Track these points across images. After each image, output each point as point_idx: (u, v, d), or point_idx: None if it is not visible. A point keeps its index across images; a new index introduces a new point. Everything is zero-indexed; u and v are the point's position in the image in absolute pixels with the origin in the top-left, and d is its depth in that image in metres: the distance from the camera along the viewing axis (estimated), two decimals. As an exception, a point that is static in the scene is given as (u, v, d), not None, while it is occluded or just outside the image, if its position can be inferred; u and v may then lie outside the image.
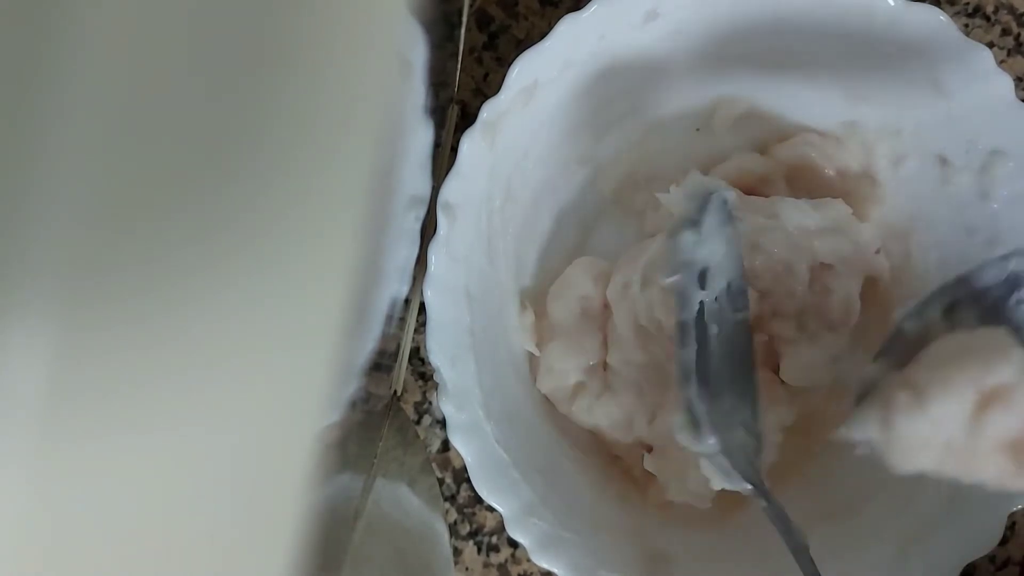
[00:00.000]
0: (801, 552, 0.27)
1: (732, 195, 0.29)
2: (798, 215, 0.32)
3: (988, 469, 0.23)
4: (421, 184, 0.29)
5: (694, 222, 0.28)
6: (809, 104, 0.34)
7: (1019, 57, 0.38)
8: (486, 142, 0.30)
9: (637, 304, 0.32)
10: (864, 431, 0.25)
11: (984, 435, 0.23)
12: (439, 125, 0.32)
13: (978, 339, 0.24)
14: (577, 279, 0.34)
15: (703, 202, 0.28)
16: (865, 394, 0.25)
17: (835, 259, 0.32)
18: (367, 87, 0.14)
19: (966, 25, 0.38)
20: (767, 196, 0.34)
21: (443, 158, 0.35)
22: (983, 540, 0.29)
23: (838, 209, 0.32)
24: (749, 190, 0.34)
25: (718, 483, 0.28)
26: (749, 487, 0.28)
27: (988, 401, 0.23)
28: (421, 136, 0.27)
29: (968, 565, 0.29)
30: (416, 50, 0.22)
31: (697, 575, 0.32)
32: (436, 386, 0.32)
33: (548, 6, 0.37)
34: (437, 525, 0.34)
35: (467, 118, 0.36)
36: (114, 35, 0.11)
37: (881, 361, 0.26)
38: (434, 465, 0.36)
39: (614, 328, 0.33)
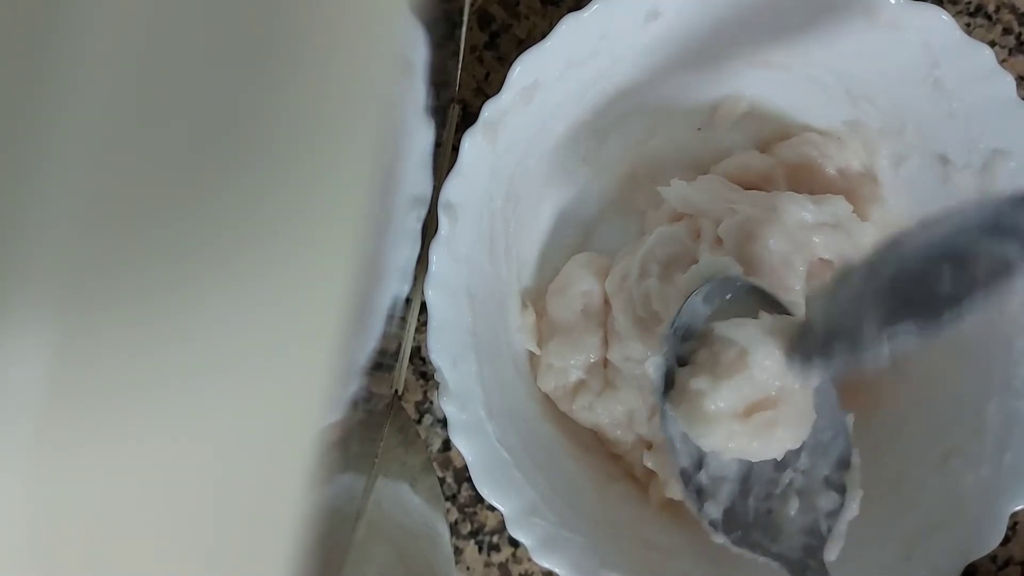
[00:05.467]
0: None
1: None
2: (797, 209, 0.32)
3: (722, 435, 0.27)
4: (422, 184, 0.29)
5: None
6: (811, 103, 0.34)
7: (1020, 56, 0.38)
8: (487, 142, 0.30)
9: (635, 296, 0.32)
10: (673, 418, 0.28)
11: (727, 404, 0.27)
12: (440, 125, 0.32)
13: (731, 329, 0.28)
14: (577, 275, 0.34)
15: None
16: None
17: (834, 255, 0.32)
18: (368, 86, 0.14)
19: (968, 24, 0.38)
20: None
21: (444, 158, 0.35)
22: (985, 540, 0.29)
23: (838, 205, 0.32)
24: (750, 188, 0.34)
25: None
26: (778, 566, 0.27)
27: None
28: (422, 136, 0.27)
29: (970, 565, 0.29)
30: (417, 49, 0.22)
31: (698, 574, 0.32)
32: (437, 385, 0.32)
33: (549, 5, 0.37)
34: (438, 524, 0.34)
35: (468, 118, 0.36)
36: (116, 36, 0.11)
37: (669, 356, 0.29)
38: (435, 464, 0.36)
39: (614, 323, 0.33)
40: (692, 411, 0.27)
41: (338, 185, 0.14)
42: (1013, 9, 0.38)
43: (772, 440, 0.27)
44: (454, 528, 0.36)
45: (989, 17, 0.38)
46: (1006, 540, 0.33)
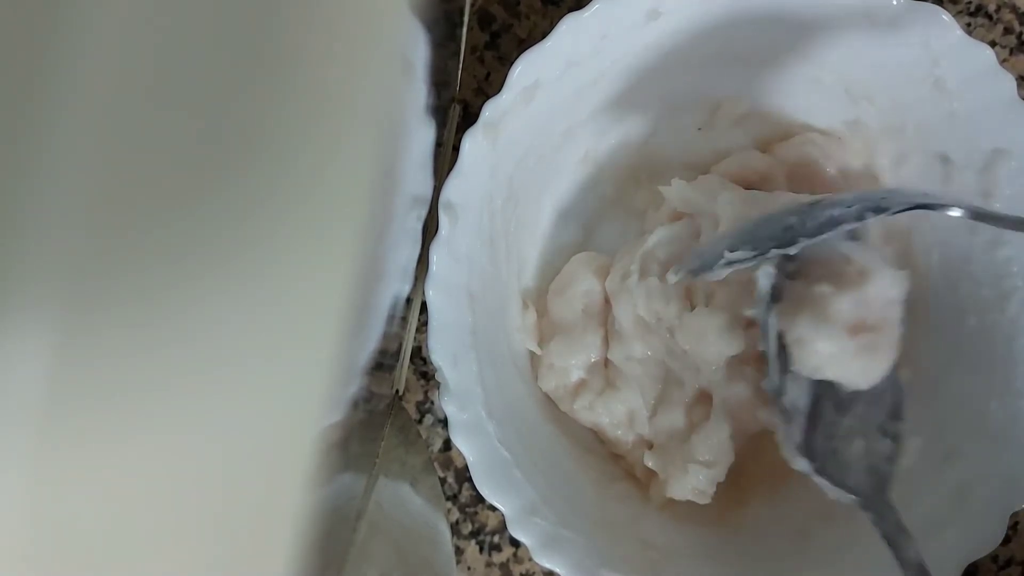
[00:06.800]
0: (913, 570, 0.27)
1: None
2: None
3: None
4: (423, 184, 0.29)
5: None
6: (811, 103, 0.34)
7: (1021, 56, 0.38)
8: (488, 141, 0.30)
9: (635, 295, 0.32)
10: (794, 331, 0.28)
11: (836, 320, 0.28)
12: (441, 124, 0.32)
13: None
14: (577, 274, 0.34)
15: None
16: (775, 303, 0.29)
17: None
18: (369, 86, 0.14)
19: (968, 24, 0.38)
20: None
21: (445, 158, 0.35)
22: (985, 539, 0.29)
23: None
24: (750, 187, 0.34)
25: (832, 495, 0.29)
26: (852, 499, 0.28)
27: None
28: (423, 135, 0.27)
29: (970, 564, 0.29)
30: (418, 49, 0.22)
31: (698, 574, 0.32)
32: (438, 385, 0.32)
33: (550, 5, 0.37)
34: (439, 524, 0.34)
35: (469, 117, 0.36)
36: (116, 36, 0.11)
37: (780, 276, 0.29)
38: (436, 464, 0.36)
39: (614, 322, 0.33)
40: (816, 314, 0.28)
41: (338, 185, 0.14)
42: (1014, 9, 0.38)
43: (871, 364, 0.28)
44: (455, 528, 0.36)
45: (990, 17, 0.38)
46: (1007, 540, 0.33)
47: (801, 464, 0.29)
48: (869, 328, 0.28)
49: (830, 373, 0.28)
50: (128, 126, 0.12)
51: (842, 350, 0.28)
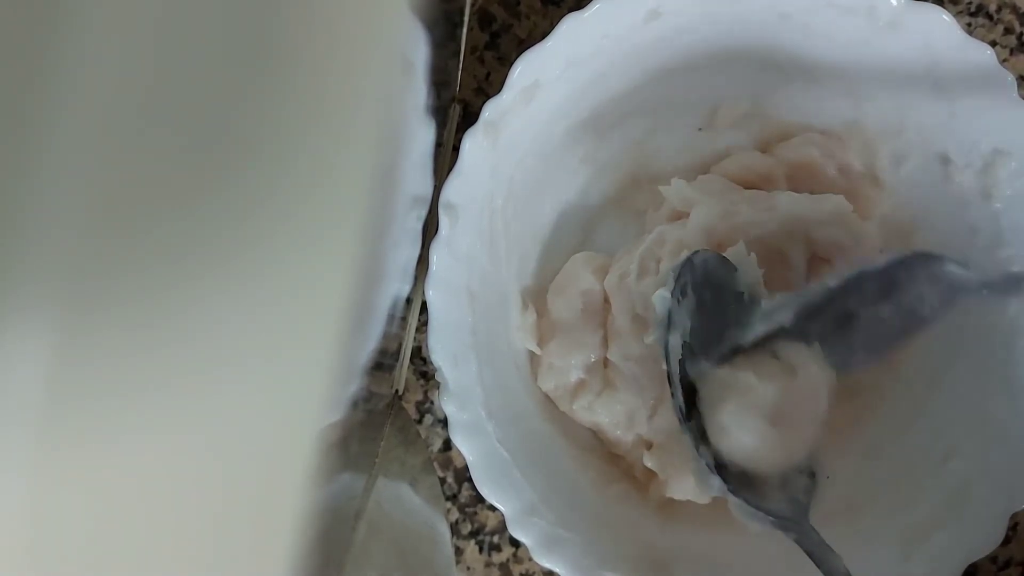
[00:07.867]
0: None
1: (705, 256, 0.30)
2: (794, 205, 0.32)
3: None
4: (423, 184, 0.29)
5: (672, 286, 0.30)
6: (811, 103, 0.34)
7: (1022, 56, 0.38)
8: (488, 141, 0.30)
9: (634, 294, 0.32)
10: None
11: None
12: (441, 124, 0.32)
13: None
14: (577, 274, 0.34)
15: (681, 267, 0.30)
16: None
17: (833, 252, 0.32)
18: (369, 86, 0.14)
19: (968, 24, 0.38)
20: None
21: (445, 158, 0.35)
22: (985, 540, 0.29)
23: (836, 202, 0.32)
24: (750, 187, 0.34)
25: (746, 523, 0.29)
26: (773, 520, 0.28)
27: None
28: (423, 135, 0.27)
29: (970, 565, 0.29)
30: (418, 49, 0.22)
31: (698, 574, 0.32)
32: (438, 385, 0.32)
33: (550, 5, 0.37)
34: (439, 524, 0.34)
35: (469, 117, 0.36)
36: (116, 36, 0.11)
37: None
38: (436, 464, 0.36)
39: (614, 321, 0.33)
40: (740, 403, 0.28)
41: (338, 185, 0.14)
42: (1014, 9, 0.38)
43: (787, 454, 0.29)
44: (455, 528, 0.36)
45: (990, 17, 0.38)
46: (1006, 540, 0.33)
47: (715, 483, 0.28)
48: (791, 422, 0.28)
49: (749, 464, 0.28)
50: (128, 126, 0.12)
51: (762, 441, 0.28)
